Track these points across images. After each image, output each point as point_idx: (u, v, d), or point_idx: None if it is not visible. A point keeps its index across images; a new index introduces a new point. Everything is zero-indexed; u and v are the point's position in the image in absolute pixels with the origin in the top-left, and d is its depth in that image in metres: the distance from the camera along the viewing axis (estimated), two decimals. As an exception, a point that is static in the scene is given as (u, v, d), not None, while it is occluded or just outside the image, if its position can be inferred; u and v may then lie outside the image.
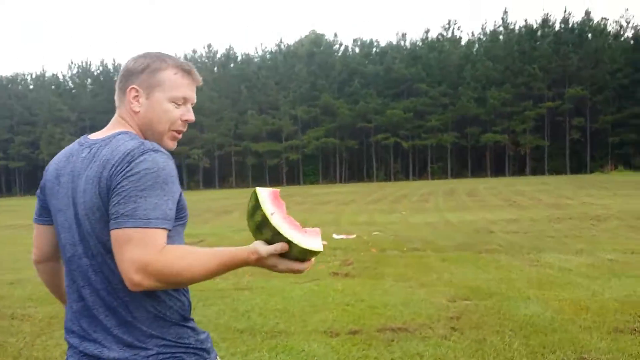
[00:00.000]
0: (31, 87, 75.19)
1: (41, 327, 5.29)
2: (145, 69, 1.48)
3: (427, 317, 5.36)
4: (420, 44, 67.70)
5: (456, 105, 58.45)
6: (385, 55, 66.09)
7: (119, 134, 1.43)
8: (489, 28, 69.65)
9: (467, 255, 8.89)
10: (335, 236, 11.75)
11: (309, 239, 1.29)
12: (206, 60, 71.60)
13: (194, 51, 72.58)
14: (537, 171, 58.06)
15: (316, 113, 62.98)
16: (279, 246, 1.29)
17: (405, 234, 12.02)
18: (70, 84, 74.34)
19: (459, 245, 9.70)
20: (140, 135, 1.47)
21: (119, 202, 1.28)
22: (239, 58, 71.61)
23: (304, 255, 1.31)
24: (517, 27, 65.40)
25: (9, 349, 4.64)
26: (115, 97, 1.53)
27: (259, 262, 1.31)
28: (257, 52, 75.06)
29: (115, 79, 1.55)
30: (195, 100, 1.56)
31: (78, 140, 1.53)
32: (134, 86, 1.48)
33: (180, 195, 1.38)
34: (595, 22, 61.59)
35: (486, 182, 38.78)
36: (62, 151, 1.55)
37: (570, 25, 61.38)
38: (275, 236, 1.29)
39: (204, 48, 78.26)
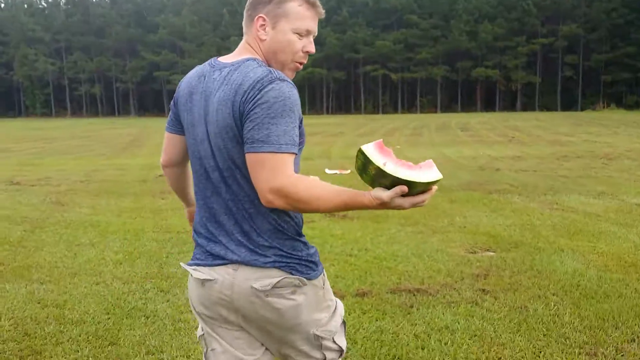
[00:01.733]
0: (2, 5, 71.14)
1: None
2: None
3: (447, 273, 4.41)
4: (413, -29, 64.69)
5: (448, 38, 56.55)
6: (376, -17, 63.22)
7: (248, 59, 1.50)
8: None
9: (477, 195, 7.94)
10: (327, 171, 10.72)
11: (427, 173, 1.35)
12: (187, -19, 68.05)
13: (174, -31, 68.86)
14: (527, 107, 57.21)
15: (303, 41, 60.61)
16: (398, 189, 1.34)
17: (403, 170, 11.03)
18: (42, 2, 70.30)
19: (466, 185, 8.74)
20: (265, 63, 1.53)
21: (253, 128, 1.39)
22: (221, -22, 68.08)
23: (426, 187, 1.37)
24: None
25: None
26: (243, 24, 1.60)
27: (383, 206, 1.37)
28: (241, -27, 71.49)
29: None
30: (316, 33, 1.59)
31: (208, 62, 1.61)
32: (261, 15, 1.53)
33: (301, 121, 1.47)
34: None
35: (478, 117, 37.76)
36: (193, 70, 1.64)
37: (567, -41, 58.88)
38: (395, 182, 1.34)
39: (185, -33, 74.01)
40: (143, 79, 64.56)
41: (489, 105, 59.25)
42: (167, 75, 62.04)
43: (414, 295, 3.92)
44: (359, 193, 1.38)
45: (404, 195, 1.35)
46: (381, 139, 1.42)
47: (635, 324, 3.41)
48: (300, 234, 1.59)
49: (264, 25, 1.54)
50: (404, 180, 1.32)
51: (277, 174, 1.36)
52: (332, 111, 62.84)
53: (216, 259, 1.56)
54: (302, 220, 1.61)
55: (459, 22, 56.45)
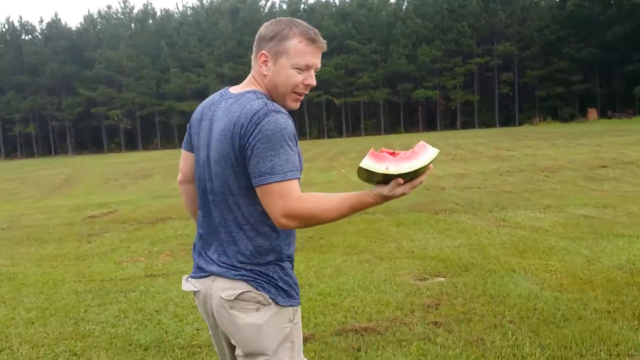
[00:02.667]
0: None
1: None
2: (274, 37, 1.64)
3: (396, 306, 4.06)
4: (349, 1, 65.92)
5: (387, 62, 57.56)
6: (313, 12, 64.02)
7: (248, 92, 1.65)
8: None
9: (423, 216, 7.70)
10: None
11: (424, 154, 1.49)
12: (122, 16, 66.97)
13: (109, 7, 68.05)
14: (467, 125, 58.59)
15: (244, 71, 60.31)
16: (394, 182, 1.47)
17: (349, 195, 10.72)
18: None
19: (411, 206, 8.50)
20: (267, 95, 1.67)
21: (258, 163, 1.50)
22: (158, 14, 67.31)
23: (425, 169, 1.50)
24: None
25: None
26: (252, 57, 1.73)
27: (387, 199, 1.51)
28: (177, 8, 70.91)
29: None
30: (319, 66, 1.69)
31: (220, 91, 1.77)
32: (263, 52, 1.67)
33: (297, 146, 1.60)
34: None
35: (420, 137, 38.21)
36: (209, 98, 1.79)
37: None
38: (403, 177, 1.47)
39: (120, 3, 72.92)
40: (80, 116, 62.55)
41: (430, 125, 60.39)
42: (105, 111, 60.44)
43: (361, 335, 3.54)
44: (361, 194, 1.52)
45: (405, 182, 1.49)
46: (372, 148, 1.53)
47: (601, 350, 3.14)
48: (282, 260, 1.67)
49: (266, 61, 1.66)
50: (409, 172, 1.47)
51: (286, 199, 1.49)
52: (277, 139, 62.69)
53: (201, 272, 1.73)
54: (289, 248, 1.71)
55: (398, 46, 57.54)
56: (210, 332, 1.84)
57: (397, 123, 61.08)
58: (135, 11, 66.94)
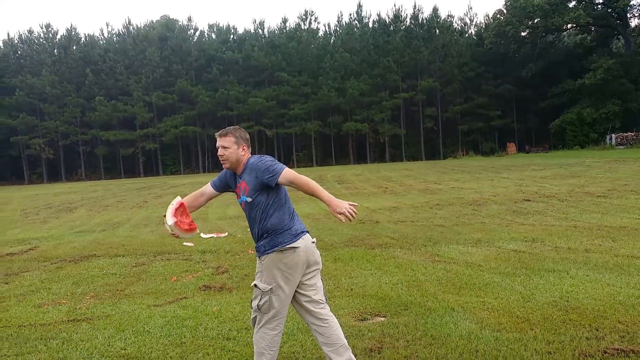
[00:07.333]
0: None
1: None
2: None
3: (339, 350, 3.93)
4: (278, 32, 66.62)
5: (317, 94, 58.28)
6: (243, 43, 64.11)
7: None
8: (345, 21, 70.20)
9: (360, 252, 7.66)
10: (203, 235, 9.89)
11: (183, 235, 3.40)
12: (44, 42, 64.42)
13: (30, 31, 64.99)
14: (395, 158, 60.00)
15: (173, 100, 59.40)
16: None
17: (283, 229, 10.55)
18: None
19: (348, 241, 8.47)
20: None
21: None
22: (82, 39, 65.22)
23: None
24: (370, 21, 67.02)
25: None
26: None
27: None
28: (102, 34, 68.94)
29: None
30: (221, 145, 3.43)
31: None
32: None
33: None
34: (442, 18, 64.72)
35: (352, 169, 38.70)
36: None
37: (419, 21, 63.92)
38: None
39: (42, 28, 69.95)
40: (-2, 145, 59.23)
41: (360, 158, 61.43)
42: (26, 140, 57.52)
43: (304, 383, 3.39)
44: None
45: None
46: (182, 201, 3.46)
47: (542, 392, 3.14)
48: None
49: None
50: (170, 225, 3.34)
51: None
52: (208, 169, 61.68)
53: (304, 233, 3.36)
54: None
55: (327, 79, 58.45)
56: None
57: (329, 155, 61.72)
58: (58, 36, 64.59)
